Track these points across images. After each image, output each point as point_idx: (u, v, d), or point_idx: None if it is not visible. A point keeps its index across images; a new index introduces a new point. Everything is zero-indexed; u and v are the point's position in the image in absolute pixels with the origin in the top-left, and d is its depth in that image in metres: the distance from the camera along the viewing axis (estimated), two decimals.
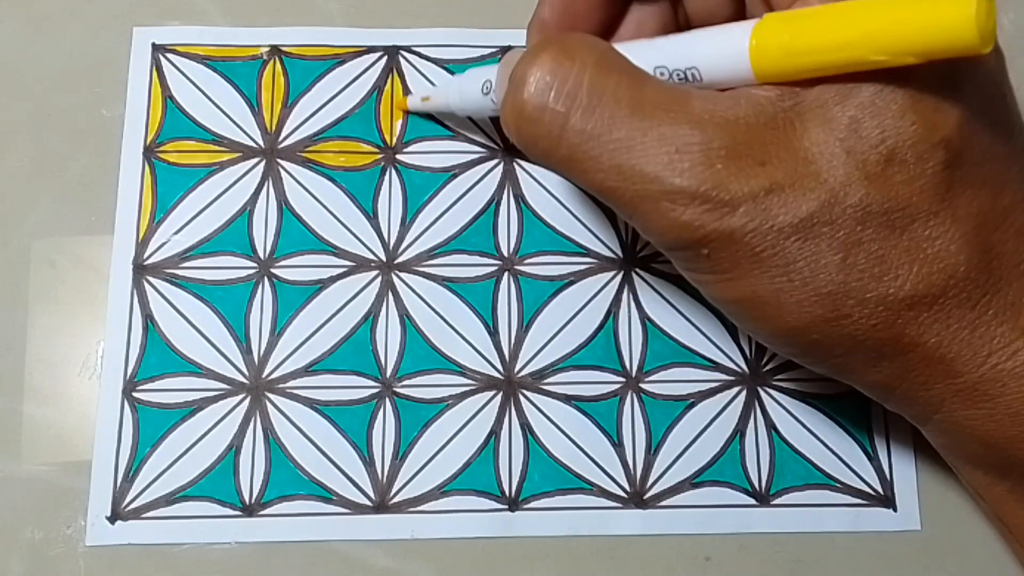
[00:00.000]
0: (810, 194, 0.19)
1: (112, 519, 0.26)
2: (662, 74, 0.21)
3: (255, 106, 0.29)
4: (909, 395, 0.21)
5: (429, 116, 0.29)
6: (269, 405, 0.27)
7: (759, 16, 0.22)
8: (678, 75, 0.20)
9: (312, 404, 0.27)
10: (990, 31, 0.17)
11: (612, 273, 0.28)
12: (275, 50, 0.30)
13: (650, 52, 0.21)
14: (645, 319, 0.28)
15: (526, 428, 0.27)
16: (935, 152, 0.18)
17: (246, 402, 0.27)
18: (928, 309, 0.19)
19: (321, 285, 0.28)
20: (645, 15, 0.24)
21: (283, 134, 0.29)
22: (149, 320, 0.27)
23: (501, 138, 0.29)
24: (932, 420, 0.21)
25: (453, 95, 0.27)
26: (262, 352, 0.27)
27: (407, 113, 0.29)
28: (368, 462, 0.26)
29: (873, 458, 0.27)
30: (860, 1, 0.18)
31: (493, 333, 0.28)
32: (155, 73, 0.29)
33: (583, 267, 0.28)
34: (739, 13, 0.24)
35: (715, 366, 0.28)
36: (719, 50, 0.20)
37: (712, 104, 0.19)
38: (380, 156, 0.29)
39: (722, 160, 0.19)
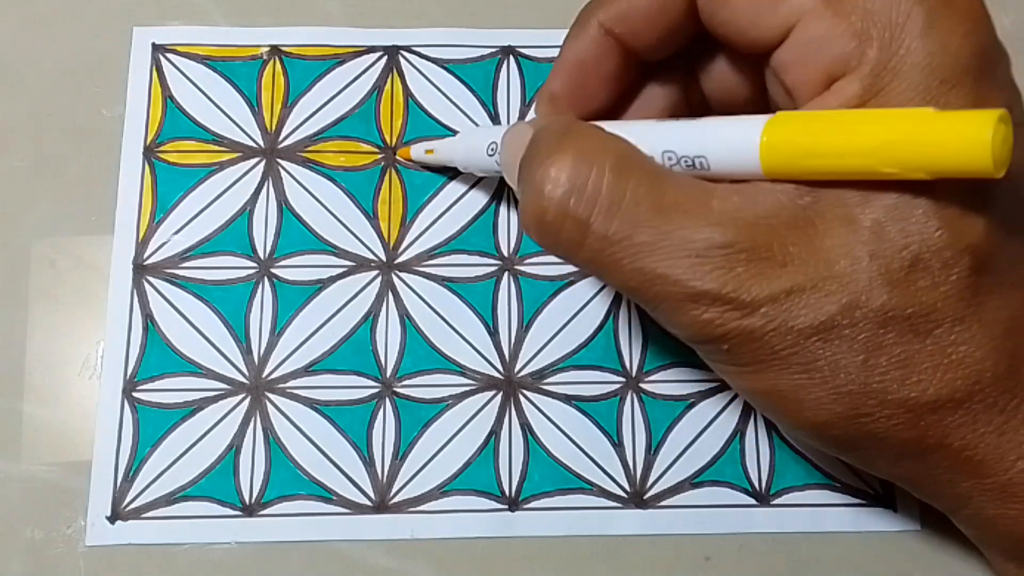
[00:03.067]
0: (832, 296, 0.18)
1: (112, 519, 0.26)
2: (670, 159, 0.20)
3: (255, 106, 0.29)
4: (934, 490, 0.21)
5: (429, 116, 0.29)
6: (269, 405, 0.27)
7: (781, 101, 0.22)
8: (686, 162, 0.20)
9: (312, 404, 0.27)
10: (1005, 156, 0.16)
11: None
12: (275, 50, 0.30)
13: (660, 135, 0.21)
14: (645, 319, 0.28)
15: (526, 428, 0.27)
16: (961, 259, 0.18)
17: (246, 402, 0.27)
18: (953, 413, 0.19)
19: (321, 285, 0.28)
20: (655, 92, 0.24)
21: (283, 134, 0.29)
22: (149, 320, 0.27)
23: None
24: (960, 513, 0.21)
25: (458, 152, 0.27)
26: (262, 352, 0.27)
27: (408, 160, 0.29)
28: (368, 462, 0.26)
29: None
30: (876, 111, 0.18)
31: (493, 333, 0.28)
32: (155, 73, 0.29)
33: None
34: (758, 94, 0.23)
35: None
36: (729, 143, 0.19)
37: (732, 204, 0.19)
38: (380, 156, 0.29)
39: (743, 263, 0.19)
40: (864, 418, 0.19)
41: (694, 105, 0.25)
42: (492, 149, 0.25)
